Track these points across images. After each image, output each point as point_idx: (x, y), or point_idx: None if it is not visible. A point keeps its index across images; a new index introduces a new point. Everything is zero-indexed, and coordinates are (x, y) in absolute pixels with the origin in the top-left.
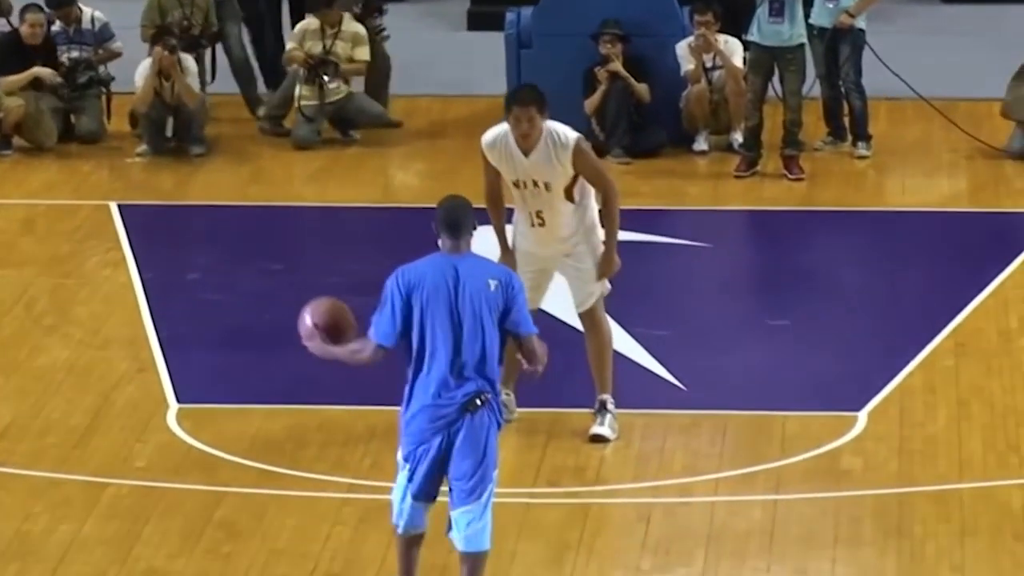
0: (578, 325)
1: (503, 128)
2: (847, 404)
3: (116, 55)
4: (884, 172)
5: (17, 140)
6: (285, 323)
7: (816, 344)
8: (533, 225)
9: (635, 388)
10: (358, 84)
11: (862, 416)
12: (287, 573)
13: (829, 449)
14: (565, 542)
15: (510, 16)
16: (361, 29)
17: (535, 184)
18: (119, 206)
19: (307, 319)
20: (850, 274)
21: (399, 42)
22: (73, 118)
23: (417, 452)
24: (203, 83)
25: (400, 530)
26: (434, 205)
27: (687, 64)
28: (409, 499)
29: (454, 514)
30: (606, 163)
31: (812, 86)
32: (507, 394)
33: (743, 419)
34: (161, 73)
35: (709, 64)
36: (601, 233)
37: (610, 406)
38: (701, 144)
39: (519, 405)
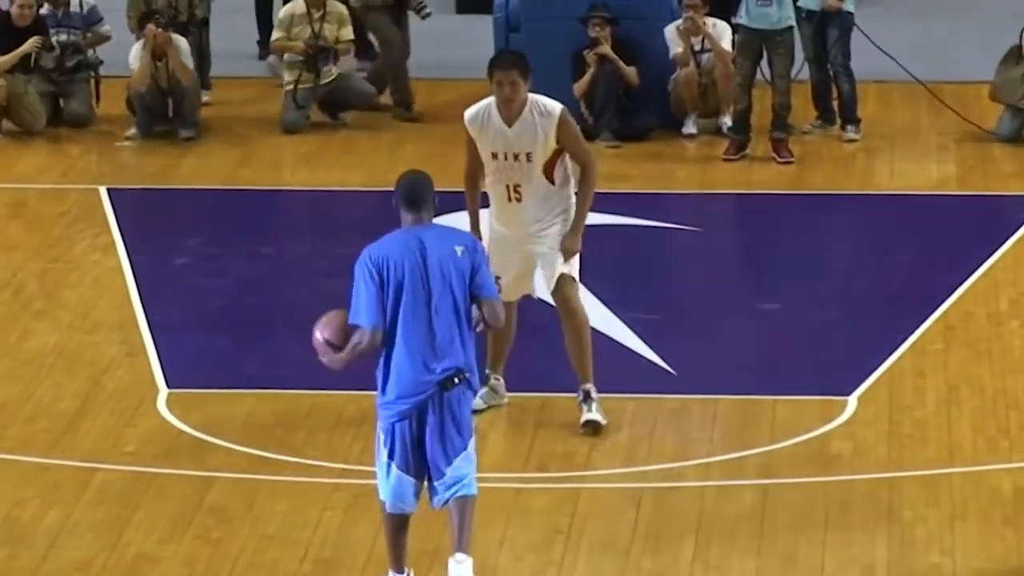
0: None
1: (486, 101)
2: (837, 388)
3: (105, 39)
4: (873, 155)
5: (6, 124)
6: (275, 307)
7: (806, 328)
8: (510, 200)
9: (625, 373)
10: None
11: (852, 400)
12: (277, 558)
13: (819, 434)
14: (555, 527)
15: None
16: (344, 9)
17: (515, 157)
18: (108, 190)
19: (318, 335)
20: (839, 258)
21: None
22: (62, 102)
23: (395, 428)
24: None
25: (388, 507)
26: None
27: (676, 47)
28: (394, 471)
29: (443, 480)
30: (595, 147)
31: (800, 69)
32: (496, 379)
33: (733, 403)
34: (154, 53)
35: (698, 47)
36: None
37: (594, 394)
38: (690, 127)
39: (509, 390)
